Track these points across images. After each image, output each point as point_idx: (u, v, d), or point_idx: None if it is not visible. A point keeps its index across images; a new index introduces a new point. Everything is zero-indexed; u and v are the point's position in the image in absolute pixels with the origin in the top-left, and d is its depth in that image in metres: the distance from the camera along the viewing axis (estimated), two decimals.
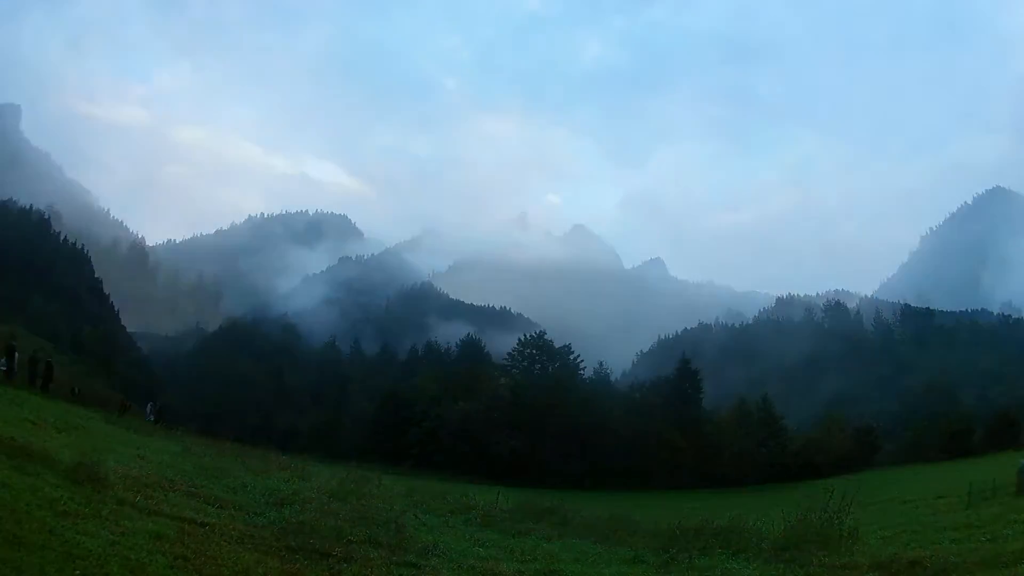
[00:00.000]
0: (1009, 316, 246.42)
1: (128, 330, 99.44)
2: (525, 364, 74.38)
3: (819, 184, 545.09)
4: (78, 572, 8.03)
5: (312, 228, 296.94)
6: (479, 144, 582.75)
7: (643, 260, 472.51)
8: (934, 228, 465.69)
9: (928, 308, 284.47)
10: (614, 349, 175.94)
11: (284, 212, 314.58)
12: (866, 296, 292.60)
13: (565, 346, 74.29)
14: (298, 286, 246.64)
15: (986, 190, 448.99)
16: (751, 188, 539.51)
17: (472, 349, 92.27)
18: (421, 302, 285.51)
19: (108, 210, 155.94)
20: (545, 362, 73.67)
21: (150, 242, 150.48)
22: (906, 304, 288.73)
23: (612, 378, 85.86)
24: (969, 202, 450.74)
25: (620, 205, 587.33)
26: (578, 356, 74.35)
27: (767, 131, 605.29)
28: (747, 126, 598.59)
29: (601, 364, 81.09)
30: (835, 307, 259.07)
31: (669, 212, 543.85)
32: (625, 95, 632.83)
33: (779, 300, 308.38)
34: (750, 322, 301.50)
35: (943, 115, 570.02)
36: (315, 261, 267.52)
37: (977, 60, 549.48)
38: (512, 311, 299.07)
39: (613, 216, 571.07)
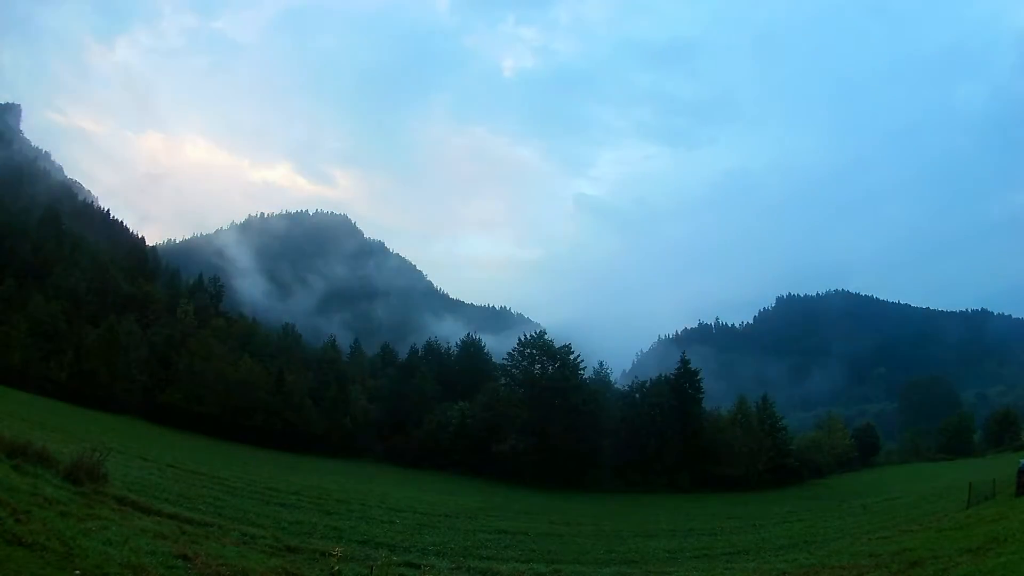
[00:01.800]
0: (1009, 316, 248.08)
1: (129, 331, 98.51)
2: (525, 364, 74.18)
3: (759, 181, 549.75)
4: (78, 572, 8.03)
5: (312, 227, 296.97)
6: (425, 153, 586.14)
7: (606, 262, 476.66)
8: None
9: (929, 308, 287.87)
10: (614, 349, 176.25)
11: (284, 212, 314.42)
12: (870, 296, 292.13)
13: (565, 346, 73.92)
14: (299, 285, 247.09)
15: None
16: (697, 190, 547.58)
17: (472, 349, 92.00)
18: (422, 301, 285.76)
19: (108, 210, 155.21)
20: (545, 362, 73.48)
21: (150, 242, 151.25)
22: (906, 304, 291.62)
23: (612, 378, 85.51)
24: None
25: (573, 211, 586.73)
26: (578, 356, 74.03)
27: (697, 132, 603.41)
28: (676, 128, 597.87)
29: (601, 364, 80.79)
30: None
31: (622, 215, 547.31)
32: (554, 103, 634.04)
33: (779, 299, 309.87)
34: (751, 321, 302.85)
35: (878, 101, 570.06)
36: (316, 260, 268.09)
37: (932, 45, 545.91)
38: (511, 310, 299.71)
39: (569, 217, 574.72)
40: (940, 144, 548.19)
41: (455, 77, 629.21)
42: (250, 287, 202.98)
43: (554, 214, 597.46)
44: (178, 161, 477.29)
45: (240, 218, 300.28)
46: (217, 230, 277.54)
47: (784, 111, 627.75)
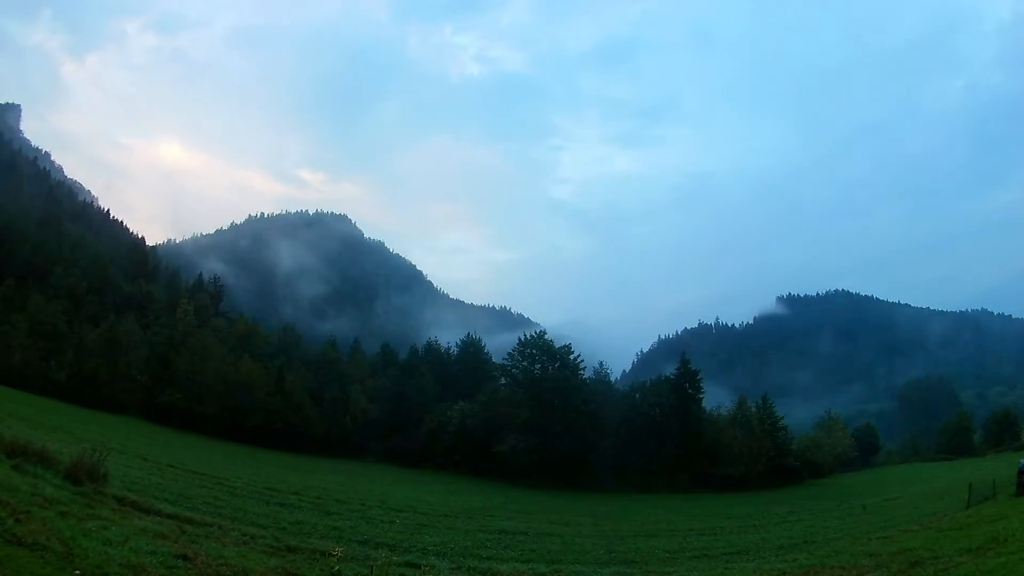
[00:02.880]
0: (1009, 315, 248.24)
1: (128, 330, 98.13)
2: (525, 364, 74.13)
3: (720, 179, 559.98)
4: (78, 572, 8.03)
5: (313, 227, 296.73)
6: (393, 158, 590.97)
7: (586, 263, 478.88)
8: None
9: (929, 308, 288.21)
10: (614, 349, 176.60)
11: (284, 211, 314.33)
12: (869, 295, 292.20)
13: (565, 346, 73.91)
14: (300, 285, 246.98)
15: None
16: (660, 192, 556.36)
17: (472, 349, 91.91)
18: (420, 299, 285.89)
19: (108, 210, 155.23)
20: (545, 362, 73.43)
21: (150, 242, 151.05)
22: (906, 304, 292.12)
23: (612, 378, 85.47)
24: None
25: (544, 213, 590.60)
26: (578, 356, 74.01)
27: (645, 134, 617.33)
28: (625, 131, 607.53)
29: (601, 364, 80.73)
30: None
31: (592, 217, 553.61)
32: (505, 108, 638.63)
33: (779, 299, 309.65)
34: (751, 321, 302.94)
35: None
36: (316, 260, 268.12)
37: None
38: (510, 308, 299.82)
39: (542, 219, 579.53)
40: (916, 141, 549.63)
41: (406, 85, 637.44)
42: (248, 287, 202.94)
43: (527, 216, 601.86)
44: (157, 167, 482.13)
45: (239, 219, 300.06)
46: (217, 229, 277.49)
47: (739, 110, 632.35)
